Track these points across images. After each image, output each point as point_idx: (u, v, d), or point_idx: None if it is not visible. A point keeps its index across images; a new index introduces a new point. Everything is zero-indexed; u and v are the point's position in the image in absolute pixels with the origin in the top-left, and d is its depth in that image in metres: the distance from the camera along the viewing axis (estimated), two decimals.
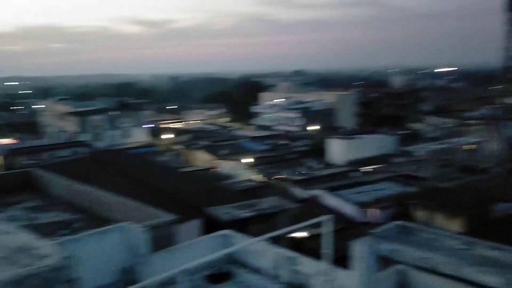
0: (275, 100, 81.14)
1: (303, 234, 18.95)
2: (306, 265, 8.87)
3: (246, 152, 45.97)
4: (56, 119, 66.01)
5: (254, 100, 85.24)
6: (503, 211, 22.11)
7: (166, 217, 12.84)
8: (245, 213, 19.35)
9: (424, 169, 36.79)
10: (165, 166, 34.06)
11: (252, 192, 28.41)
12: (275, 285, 9.07)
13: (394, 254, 9.80)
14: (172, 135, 62.31)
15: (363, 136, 49.05)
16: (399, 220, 11.99)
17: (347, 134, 52.63)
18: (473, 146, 42.68)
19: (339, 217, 24.54)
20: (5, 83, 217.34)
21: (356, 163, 41.23)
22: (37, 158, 42.90)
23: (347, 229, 22.11)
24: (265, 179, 36.87)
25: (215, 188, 26.03)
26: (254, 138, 56.60)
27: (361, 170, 39.38)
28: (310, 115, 70.78)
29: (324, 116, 70.95)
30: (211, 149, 48.28)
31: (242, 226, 16.01)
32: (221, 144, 51.62)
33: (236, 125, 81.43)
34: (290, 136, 59.11)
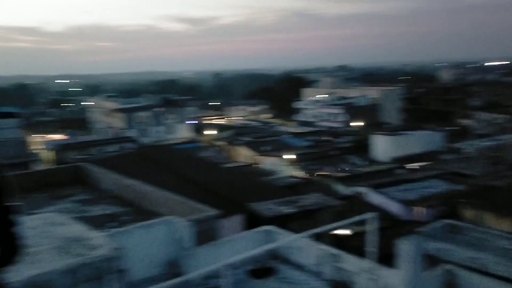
0: (318, 96, 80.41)
1: (346, 231, 18.72)
2: (350, 262, 8.77)
3: (288, 148, 45.84)
4: (104, 116, 68.24)
5: (297, 96, 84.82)
6: None
7: (210, 211, 13.03)
8: (287, 209, 19.34)
9: (473, 167, 35.46)
10: (208, 161, 34.51)
11: (294, 188, 28.30)
12: (318, 282, 9.02)
13: (442, 254, 9.53)
14: (215, 131, 63.04)
15: (409, 132, 47.79)
16: (447, 219, 11.63)
17: (392, 130, 51.45)
18: None
19: (384, 215, 24.06)
20: (56, 81, 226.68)
21: (402, 160, 40.25)
22: (86, 153, 44.58)
23: (392, 227, 21.65)
24: (307, 176, 36.64)
25: (257, 184, 26.14)
26: (296, 134, 56.35)
27: (407, 167, 38.41)
28: (353, 111, 69.66)
29: (368, 111, 69.63)
30: (253, 145, 48.47)
31: (284, 222, 16.00)
32: (263, 140, 51.71)
33: (278, 121, 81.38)
34: (333, 132, 58.44)
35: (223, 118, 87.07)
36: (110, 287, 3.24)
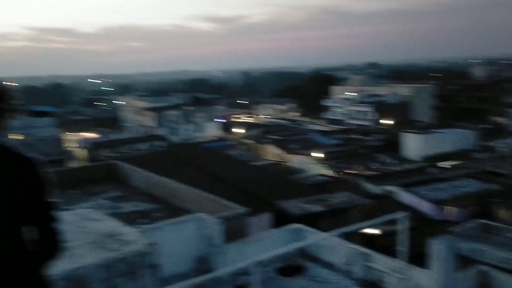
0: (347, 94, 79.61)
1: (376, 230, 18.50)
2: (380, 262, 8.68)
3: (317, 146, 45.57)
4: (135, 114, 69.43)
5: (325, 94, 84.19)
6: None
7: (239, 209, 13.11)
8: (315, 208, 19.26)
9: (507, 166, 34.43)
10: (237, 159, 34.69)
11: (322, 187, 28.12)
12: (348, 281, 8.96)
13: (475, 254, 9.31)
14: (243, 130, 63.27)
15: (441, 130, 46.77)
16: (480, 219, 11.35)
17: (423, 128, 50.46)
18: None
19: (415, 215, 23.64)
20: (89, 81, 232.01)
21: (433, 159, 39.45)
22: (118, 151, 45.48)
23: (423, 227, 21.26)
24: (336, 174, 36.35)
25: (285, 182, 26.11)
26: (325, 132, 55.97)
27: (439, 166, 37.62)
28: (383, 108, 68.62)
29: (399, 109, 68.45)
30: (281, 143, 48.41)
31: (312, 220, 15.95)
32: (292, 138, 51.59)
33: (306, 119, 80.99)
34: (362, 130, 57.77)
35: (251, 117, 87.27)
36: (144, 282, 3.32)
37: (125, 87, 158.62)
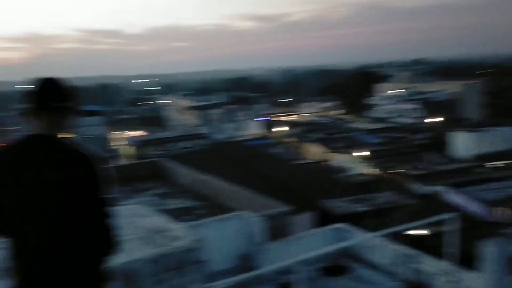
0: (392, 91, 77.81)
1: (424, 231, 18.01)
2: (428, 264, 8.43)
3: (361, 145, 44.83)
4: (179, 113, 70.75)
5: (370, 91, 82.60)
6: None
7: (281, 208, 13.11)
8: (359, 208, 18.97)
9: None
10: (279, 158, 34.68)
11: (366, 186, 27.68)
12: (393, 282, 8.77)
13: None
14: (285, 128, 63.16)
15: (492, 128, 44.87)
16: None
17: (473, 126, 48.57)
18: None
19: (464, 215, 22.82)
20: (134, 81, 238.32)
21: (484, 158, 37.89)
22: (162, 149, 46.54)
23: (473, 229, 20.50)
24: (381, 173, 35.66)
25: (329, 181, 25.86)
26: (369, 131, 54.94)
27: (489, 166, 36.12)
28: (430, 106, 66.55)
29: (447, 107, 66.20)
30: (324, 142, 47.97)
31: (356, 220, 15.71)
32: (335, 136, 51.01)
33: (350, 117, 79.82)
34: (408, 129, 56.31)
35: (293, 115, 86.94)
36: (191, 278, 3.38)
37: (169, 87, 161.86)
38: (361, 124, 66.04)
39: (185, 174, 19.44)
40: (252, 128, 64.70)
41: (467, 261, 7.78)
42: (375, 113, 75.74)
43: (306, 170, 29.52)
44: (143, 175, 19.87)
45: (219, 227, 9.45)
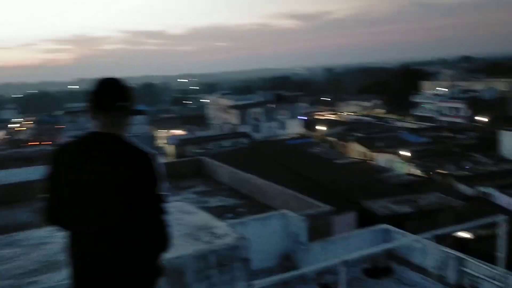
0: (437, 89, 75.56)
1: (470, 234, 17.39)
2: (476, 267, 8.14)
3: (404, 145, 43.78)
4: (220, 112, 71.48)
5: (414, 90, 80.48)
6: None
7: (323, 207, 12.99)
8: (403, 209, 18.53)
9: None
10: (320, 157, 34.40)
11: (410, 186, 26.99)
12: (439, 286, 8.52)
13: None
14: (326, 127, 62.58)
15: None
16: None
17: None
18: None
19: None
20: (177, 80, 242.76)
21: None
22: (204, 148, 47.20)
23: None
24: (425, 174, 34.70)
25: (371, 181, 25.41)
26: (413, 130, 53.60)
27: None
28: (478, 104, 64.12)
29: (495, 105, 63.58)
30: (366, 141, 47.17)
31: (400, 221, 15.36)
32: (377, 136, 50.07)
33: (393, 116, 78.14)
34: (454, 128, 54.55)
35: (335, 114, 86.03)
36: (235, 275, 3.41)
37: (210, 86, 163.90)
38: (405, 123, 64.53)
39: (226, 172, 19.63)
40: (293, 127, 64.47)
41: None
42: (420, 111, 73.78)
43: (348, 170, 29.13)
44: (185, 173, 20.20)
45: (260, 226, 9.48)
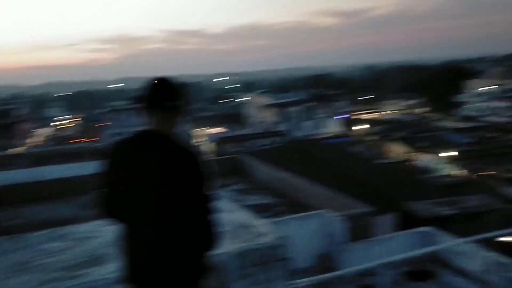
0: (483, 88, 72.87)
1: None
2: None
3: (448, 145, 42.51)
4: (258, 110, 71.63)
5: (458, 88, 77.94)
6: None
7: (363, 208, 12.77)
8: (446, 211, 17.99)
9: None
10: (359, 157, 33.86)
11: (454, 188, 26.22)
12: None
13: None
14: (366, 126, 61.59)
15: None
16: None
17: None
18: None
19: None
20: (216, 79, 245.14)
21: None
22: (241, 146, 47.43)
23: None
24: (470, 175, 33.61)
25: (412, 182, 24.79)
26: (458, 130, 51.95)
27: None
28: None
29: None
30: (408, 141, 46.13)
31: (443, 224, 14.91)
32: (419, 135, 48.83)
33: (436, 115, 75.97)
34: (500, 128, 52.46)
35: (375, 112, 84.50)
36: (275, 274, 3.39)
37: (249, 84, 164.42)
38: (449, 123, 62.64)
39: (264, 170, 19.63)
40: (332, 126, 63.79)
41: None
42: (464, 111, 71.42)
43: (389, 170, 28.55)
44: (223, 171, 20.35)
45: (298, 225, 9.43)
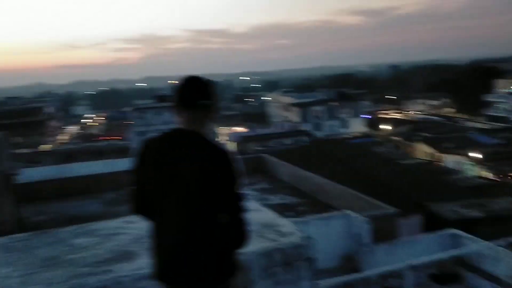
0: None
1: None
2: None
3: (475, 146, 41.59)
4: (281, 110, 71.50)
5: (486, 88, 76.13)
6: None
7: (388, 209, 12.61)
8: (473, 213, 17.60)
9: None
10: (383, 157, 33.44)
11: (481, 190, 25.63)
12: None
13: None
14: (390, 126, 60.80)
15: None
16: None
17: None
18: None
19: None
20: (239, 78, 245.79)
21: None
22: (264, 145, 47.43)
23: None
24: (497, 177, 32.81)
25: (438, 183, 24.34)
26: (485, 131, 50.81)
27: None
28: None
29: None
30: (434, 141, 45.33)
31: (469, 227, 14.59)
32: (446, 136, 47.94)
33: (463, 116, 74.46)
34: None
35: (400, 112, 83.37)
36: (300, 274, 3.38)
37: (272, 84, 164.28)
38: (476, 123, 61.33)
39: (286, 170, 19.59)
40: (356, 126, 63.20)
41: None
42: (493, 111, 69.75)
43: (414, 171, 28.09)
44: (247, 170, 20.36)
45: (322, 225, 9.38)
